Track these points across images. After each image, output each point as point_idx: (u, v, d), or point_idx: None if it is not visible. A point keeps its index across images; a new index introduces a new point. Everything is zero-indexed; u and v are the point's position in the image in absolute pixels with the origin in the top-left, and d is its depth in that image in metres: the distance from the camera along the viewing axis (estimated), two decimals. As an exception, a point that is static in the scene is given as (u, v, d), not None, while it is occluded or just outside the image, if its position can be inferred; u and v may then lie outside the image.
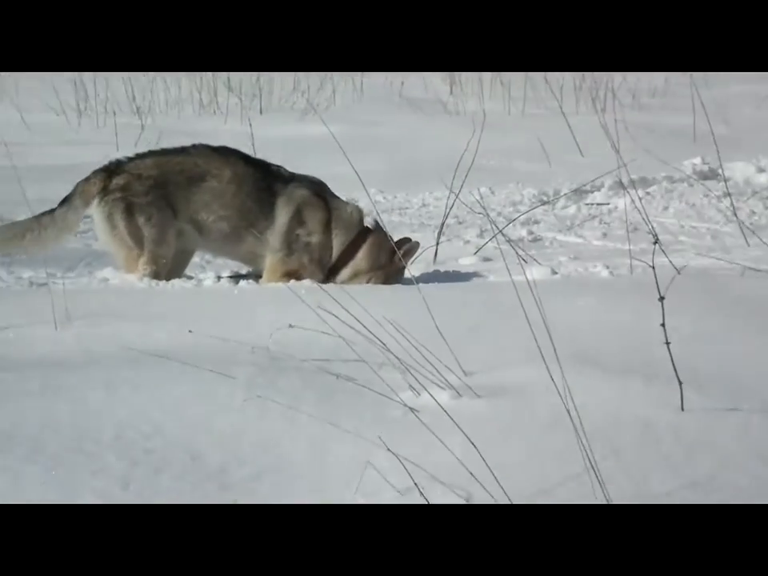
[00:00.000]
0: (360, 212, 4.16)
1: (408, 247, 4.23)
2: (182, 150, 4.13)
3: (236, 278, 4.18)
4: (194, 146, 4.16)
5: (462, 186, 5.81)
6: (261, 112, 13.19)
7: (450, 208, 5.88)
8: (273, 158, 4.70)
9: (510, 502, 1.82)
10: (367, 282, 4.13)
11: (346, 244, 4.15)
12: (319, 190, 4.15)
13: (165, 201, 4.02)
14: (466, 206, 6.51)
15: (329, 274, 4.18)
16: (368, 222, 4.20)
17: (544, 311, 2.33)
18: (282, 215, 4.04)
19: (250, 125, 7.88)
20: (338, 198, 4.17)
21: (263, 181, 4.05)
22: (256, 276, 4.13)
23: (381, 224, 4.26)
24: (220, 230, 4.03)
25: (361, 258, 4.12)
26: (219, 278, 4.12)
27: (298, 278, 4.05)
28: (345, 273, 4.13)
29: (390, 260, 4.15)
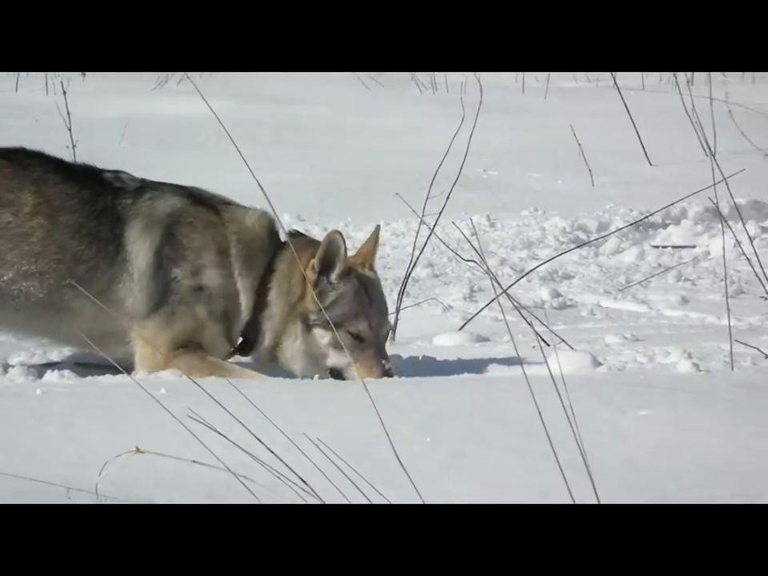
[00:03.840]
0: (269, 219, 4.14)
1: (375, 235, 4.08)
2: None
3: (43, 366, 4.16)
4: None
5: (440, 212, 5.93)
6: (83, 72, 13.24)
7: (421, 250, 6.02)
8: (104, 158, 4.72)
9: None
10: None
11: (258, 281, 4.06)
12: (196, 196, 4.16)
13: None
14: (448, 246, 6.65)
15: (243, 351, 4.11)
16: (282, 234, 4.14)
17: (578, 429, 2.41)
18: (141, 251, 4.02)
19: (64, 93, 7.95)
20: (230, 202, 4.18)
21: (96, 200, 4.04)
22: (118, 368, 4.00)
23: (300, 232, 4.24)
24: (26, 296, 3.98)
25: (273, 301, 3.98)
26: (8, 366, 4.08)
27: (197, 358, 3.93)
28: (263, 342, 4.02)
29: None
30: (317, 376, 4.04)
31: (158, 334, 4.00)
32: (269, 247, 4.08)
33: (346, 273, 4.04)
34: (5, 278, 3.98)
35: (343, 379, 4.01)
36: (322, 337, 4.00)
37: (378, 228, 4.24)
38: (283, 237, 4.17)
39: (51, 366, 4.16)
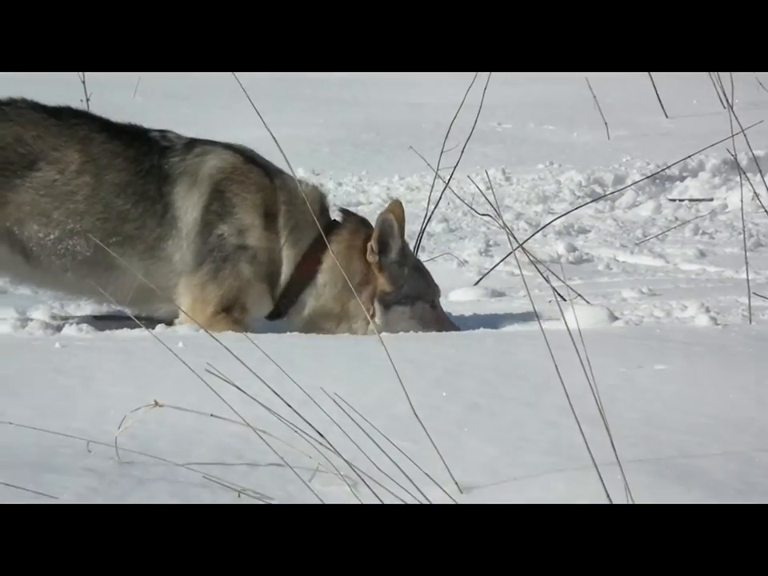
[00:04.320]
0: (320, 194, 4.18)
1: (389, 219, 4.02)
2: None
3: (62, 320, 4.18)
4: (12, 102, 4.09)
5: (455, 166, 5.94)
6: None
7: (436, 205, 6.02)
8: (118, 112, 4.71)
9: None
10: (353, 329, 4.08)
11: (301, 255, 4.08)
12: (249, 156, 4.14)
13: None
14: (463, 201, 6.64)
15: (269, 316, 4.11)
16: (334, 210, 4.18)
17: (595, 384, 2.43)
18: (189, 207, 4.02)
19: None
20: (282, 171, 4.15)
21: (142, 160, 4.03)
22: (163, 321, 4.01)
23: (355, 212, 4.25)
24: (73, 255, 3.98)
25: (326, 280, 4.05)
26: (27, 320, 4.11)
27: (240, 315, 3.99)
28: (301, 312, 4.07)
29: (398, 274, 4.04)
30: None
31: (206, 292, 4.02)
32: (317, 223, 4.05)
33: (403, 248, 4.15)
34: (51, 236, 3.99)
35: None
36: (403, 312, 4.15)
37: (401, 204, 4.22)
38: (333, 214, 4.20)
39: (69, 319, 4.19)
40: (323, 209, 4.15)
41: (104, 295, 4.00)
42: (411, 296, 4.15)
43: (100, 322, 4.15)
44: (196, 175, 4.04)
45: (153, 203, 4.02)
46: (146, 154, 4.05)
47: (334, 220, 4.17)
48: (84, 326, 4.03)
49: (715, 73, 8.85)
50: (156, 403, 2.59)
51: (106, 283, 3.99)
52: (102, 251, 3.93)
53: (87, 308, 4.29)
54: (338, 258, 4.08)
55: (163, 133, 4.13)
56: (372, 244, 4.09)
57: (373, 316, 4.11)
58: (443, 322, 4.23)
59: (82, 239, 3.99)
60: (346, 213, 4.24)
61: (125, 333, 3.94)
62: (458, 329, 4.23)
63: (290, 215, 4.07)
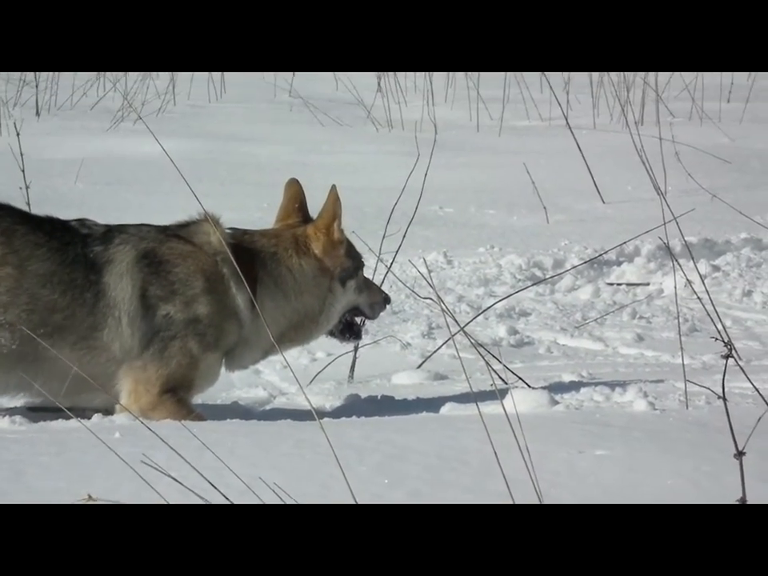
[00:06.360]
0: (222, 228, 4.11)
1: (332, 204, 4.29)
2: None
3: None
4: None
5: (397, 250, 5.92)
6: (38, 113, 13.14)
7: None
8: (59, 199, 4.64)
9: None
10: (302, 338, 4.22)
11: (250, 291, 4.00)
12: (162, 230, 4.12)
13: None
14: (405, 284, 6.63)
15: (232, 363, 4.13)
16: (227, 235, 4.11)
17: (535, 469, 2.39)
18: (126, 297, 3.97)
19: (18, 135, 7.88)
20: (184, 224, 4.15)
21: (66, 249, 4.00)
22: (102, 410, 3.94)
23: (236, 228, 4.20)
24: None
25: (270, 303, 4.07)
26: None
27: (185, 394, 3.95)
28: (259, 343, 4.07)
29: (321, 268, 4.18)
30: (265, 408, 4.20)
31: (151, 372, 3.96)
32: (234, 263, 4.03)
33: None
34: None
35: (354, 324, 4.33)
36: (351, 286, 4.27)
37: (335, 187, 4.37)
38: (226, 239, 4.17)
39: (2, 412, 4.08)
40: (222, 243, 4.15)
41: (31, 389, 3.90)
42: (358, 266, 4.29)
43: (34, 413, 4.04)
44: (123, 263, 4.02)
45: (81, 292, 3.97)
46: (69, 243, 4.02)
47: (233, 244, 4.11)
48: (17, 417, 3.93)
49: (648, 162, 8.97)
50: (89, 497, 2.51)
51: (34, 376, 3.91)
52: (29, 343, 3.85)
53: (21, 399, 4.18)
54: (278, 270, 4.16)
55: (81, 221, 4.11)
56: (336, 224, 4.24)
57: (335, 303, 4.21)
58: (372, 287, 4.35)
59: (6, 332, 3.90)
60: (238, 234, 4.22)
61: (60, 424, 3.84)
62: (386, 294, 4.39)
63: (226, 264, 4.06)
